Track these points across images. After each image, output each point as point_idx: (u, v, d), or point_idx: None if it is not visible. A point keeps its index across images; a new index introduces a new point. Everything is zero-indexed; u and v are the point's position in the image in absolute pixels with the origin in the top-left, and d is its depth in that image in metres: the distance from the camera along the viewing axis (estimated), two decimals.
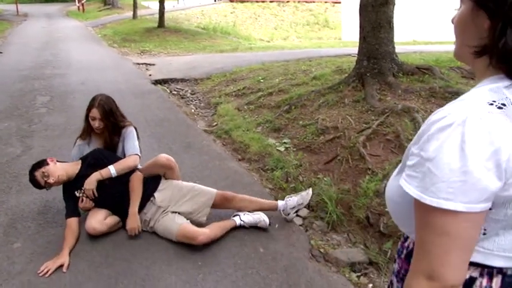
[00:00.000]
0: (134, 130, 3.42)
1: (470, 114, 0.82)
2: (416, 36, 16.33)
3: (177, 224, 3.01)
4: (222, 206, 3.30)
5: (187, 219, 3.11)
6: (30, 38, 15.83)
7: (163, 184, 3.30)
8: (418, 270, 0.92)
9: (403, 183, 0.92)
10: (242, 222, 3.19)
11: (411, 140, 0.98)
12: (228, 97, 7.22)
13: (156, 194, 3.22)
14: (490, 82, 0.90)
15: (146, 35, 16.26)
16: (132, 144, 3.33)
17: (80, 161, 3.27)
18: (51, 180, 3.07)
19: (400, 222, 1.09)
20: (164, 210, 3.15)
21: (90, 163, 3.19)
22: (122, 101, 5.73)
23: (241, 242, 3.06)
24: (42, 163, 3.15)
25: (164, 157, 3.32)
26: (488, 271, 0.95)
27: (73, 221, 3.07)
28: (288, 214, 3.33)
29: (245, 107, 6.47)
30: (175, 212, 3.14)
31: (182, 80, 8.74)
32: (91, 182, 3.09)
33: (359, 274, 2.86)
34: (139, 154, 3.31)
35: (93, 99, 3.31)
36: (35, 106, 6.55)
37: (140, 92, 7.57)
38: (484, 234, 0.92)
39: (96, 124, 3.25)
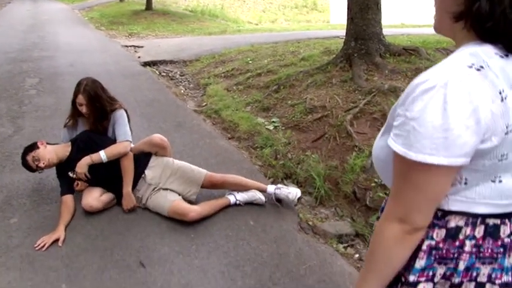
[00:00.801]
0: (124, 113, 3.38)
1: (452, 76, 0.91)
2: (404, 19, 16.40)
3: (169, 201, 3.08)
4: (212, 188, 3.35)
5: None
6: (16, 21, 15.58)
7: (153, 161, 3.34)
8: (391, 215, 1.03)
9: (390, 142, 1.00)
10: (238, 201, 3.24)
11: None
12: (217, 78, 7.25)
13: (146, 171, 3.27)
14: (469, 47, 0.98)
15: (134, 18, 16.11)
16: (123, 129, 3.30)
17: (70, 143, 3.30)
18: (41, 164, 3.12)
19: (385, 178, 1.18)
20: (155, 188, 3.21)
21: (80, 147, 3.22)
22: (111, 82, 5.78)
23: (232, 215, 3.15)
24: (32, 147, 3.18)
25: (158, 137, 3.36)
26: (473, 221, 1.04)
27: (68, 198, 3.13)
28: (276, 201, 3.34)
29: (234, 87, 6.52)
30: (167, 189, 3.20)
31: (171, 62, 8.72)
32: (82, 166, 3.12)
33: (346, 245, 2.98)
34: (130, 140, 3.30)
35: (79, 84, 3.25)
36: (24, 88, 6.51)
37: (130, 74, 7.56)
38: (466, 184, 1.01)
39: (83, 110, 3.23)
